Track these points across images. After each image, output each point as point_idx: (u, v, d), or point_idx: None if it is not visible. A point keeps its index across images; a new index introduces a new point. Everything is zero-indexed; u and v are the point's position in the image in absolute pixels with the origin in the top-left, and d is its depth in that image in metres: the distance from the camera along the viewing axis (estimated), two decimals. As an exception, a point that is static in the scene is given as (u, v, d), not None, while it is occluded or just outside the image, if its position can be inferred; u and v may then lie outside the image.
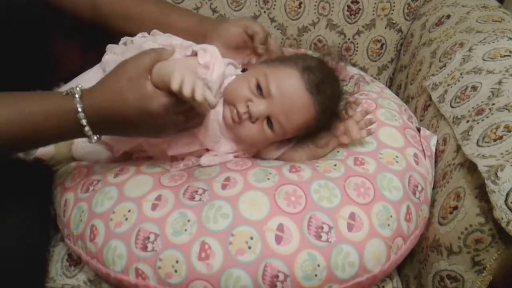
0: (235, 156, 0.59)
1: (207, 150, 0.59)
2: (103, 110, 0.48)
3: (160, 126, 0.50)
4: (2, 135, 0.46)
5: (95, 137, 0.49)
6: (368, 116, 0.58)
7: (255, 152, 0.61)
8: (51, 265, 0.59)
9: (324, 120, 0.57)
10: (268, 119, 0.54)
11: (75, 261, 0.59)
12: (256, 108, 0.53)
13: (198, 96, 0.44)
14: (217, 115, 0.57)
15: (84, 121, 0.47)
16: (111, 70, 0.51)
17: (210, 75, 0.54)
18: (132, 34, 0.62)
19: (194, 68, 0.54)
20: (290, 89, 0.53)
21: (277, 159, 0.61)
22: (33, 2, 0.60)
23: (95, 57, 0.65)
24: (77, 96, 0.47)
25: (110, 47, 0.62)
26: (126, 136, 0.55)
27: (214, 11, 0.90)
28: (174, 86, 0.44)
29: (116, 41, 0.63)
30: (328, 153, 0.60)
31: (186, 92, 0.43)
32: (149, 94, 0.48)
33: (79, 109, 0.47)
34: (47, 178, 0.63)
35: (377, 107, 0.64)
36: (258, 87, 0.54)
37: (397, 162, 0.57)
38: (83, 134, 0.48)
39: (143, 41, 0.59)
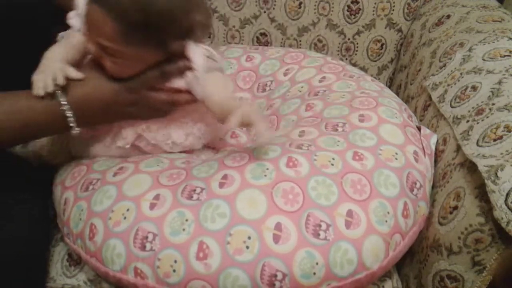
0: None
1: None
2: (85, 99, 0.53)
3: (136, 103, 0.55)
4: None
5: (77, 129, 0.53)
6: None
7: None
8: (51, 265, 0.60)
9: (140, 28, 0.51)
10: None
11: (75, 261, 0.59)
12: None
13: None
14: None
15: (69, 113, 0.52)
16: (86, 65, 0.56)
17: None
18: None
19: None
20: (86, 11, 0.52)
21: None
22: (33, 2, 0.60)
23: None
24: (58, 92, 0.52)
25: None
26: (106, 122, 0.59)
27: (214, 11, 0.91)
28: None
29: None
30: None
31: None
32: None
33: (63, 102, 0.52)
34: (47, 178, 0.63)
35: (377, 105, 0.64)
36: None
37: (396, 159, 0.56)
38: (67, 127, 0.53)
39: None
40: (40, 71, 0.52)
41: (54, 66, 0.52)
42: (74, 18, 0.58)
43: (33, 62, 0.61)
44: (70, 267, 0.59)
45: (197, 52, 0.56)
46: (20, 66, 0.59)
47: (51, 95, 0.51)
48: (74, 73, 0.53)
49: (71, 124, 0.53)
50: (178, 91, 0.57)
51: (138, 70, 0.55)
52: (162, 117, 0.60)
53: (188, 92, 0.57)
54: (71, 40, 0.57)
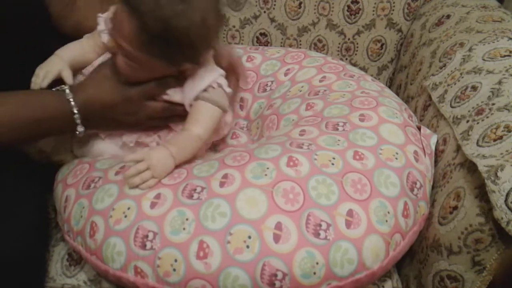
0: None
1: None
2: (92, 100, 0.56)
3: (139, 111, 0.58)
4: (6, 125, 0.52)
5: (82, 129, 0.56)
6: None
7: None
8: (51, 265, 0.60)
9: (156, 31, 0.51)
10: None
11: (75, 260, 0.59)
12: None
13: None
14: None
15: (75, 110, 0.55)
16: (93, 69, 0.60)
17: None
18: None
19: None
20: (115, 10, 0.54)
21: None
22: (31, 2, 0.60)
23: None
24: (67, 91, 0.55)
25: None
26: (107, 127, 0.61)
27: (214, 11, 0.90)
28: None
29: None
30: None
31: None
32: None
33: (71, 100, 0.55)
34: (47, 178, 0.63)
35: (377, 104, 0.64)
36: None
37: (396, 158, 0.56)
38: (74, 124, 0.56)
39: None
40: (44, 65, 0.57)
41: (55, 64, 0.56)
42: (101, 20, 0.60)
43: (33, 62, 0.61)
44: (70, 267, 0.59)
45: (204, 77, 0.58)
46: (19, 66, 0.59)
47: (60, 92, 0.55)
48: (67, 79, 0.56)
49: (77, 121, 0.55)
50: (175, 103, 0.59)
51: (146, 78, 0.57)
52: (159, 125, 0.62)
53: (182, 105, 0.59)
54: (83, 41, 0.61)
